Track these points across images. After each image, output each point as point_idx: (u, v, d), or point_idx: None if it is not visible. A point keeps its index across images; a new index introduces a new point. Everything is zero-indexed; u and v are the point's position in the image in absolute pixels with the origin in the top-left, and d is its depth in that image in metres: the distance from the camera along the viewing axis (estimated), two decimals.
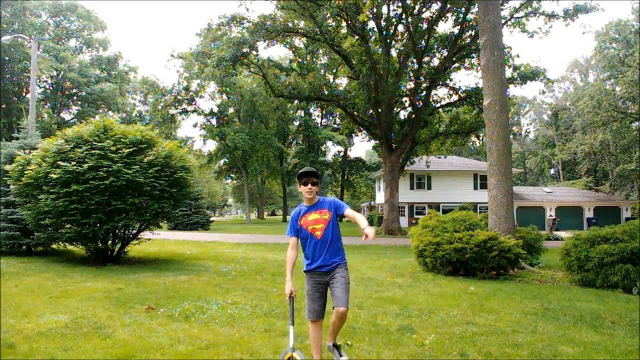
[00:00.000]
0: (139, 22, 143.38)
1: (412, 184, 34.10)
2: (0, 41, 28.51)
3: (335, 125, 47.68)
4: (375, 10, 20.87)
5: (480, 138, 25.73)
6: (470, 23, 21.72)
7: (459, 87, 24.76)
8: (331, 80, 31.18)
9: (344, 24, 22.42)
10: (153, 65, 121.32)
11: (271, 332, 4.65)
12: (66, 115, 43.27)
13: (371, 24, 22.76)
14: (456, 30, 22.61)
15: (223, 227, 32.96)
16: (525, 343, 4.43)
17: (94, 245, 9.83)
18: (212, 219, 34.17)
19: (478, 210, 30.53)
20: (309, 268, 3.57)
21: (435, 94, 25.84)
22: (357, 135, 45.32)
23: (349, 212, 3.51)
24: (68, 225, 9.49)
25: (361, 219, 3.39)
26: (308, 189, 3.51)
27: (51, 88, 41.54)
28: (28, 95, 37.13)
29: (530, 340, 4.52)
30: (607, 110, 36.85)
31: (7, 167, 9.86)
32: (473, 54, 22.99)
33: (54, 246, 11.86)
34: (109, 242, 10.10)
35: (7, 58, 35.79)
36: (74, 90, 41.42)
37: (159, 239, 16.10)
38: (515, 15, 22.11)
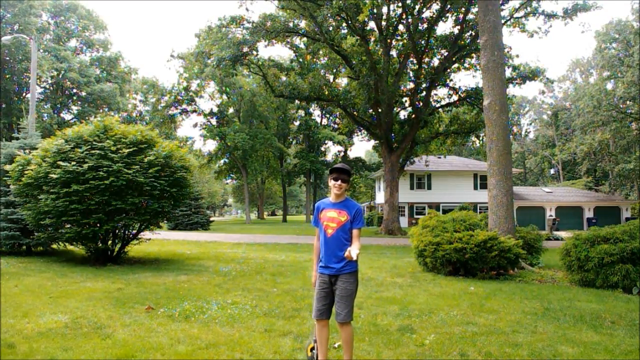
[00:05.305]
0: (139, 22, 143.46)
1: (412, 184, 34.09)
2: (0, 41, 28.48)
3: (335, 125, 47.66)
4: (375, 10, 20.87)
5: (480, 138, 25.72)
6: (470, 23, 21.73)
7: (459, 87, 24.78)
8: (331, 80, 31.18)
9: (344, 24, 22.43)
10: (153, 66, 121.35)
11: (271, 332, 4.65)
12: (66, 115, 43.22)
13: (371, 24, 22.77)
14: (456, 30, 22.62)
15: (223, 227, 32.94)
16: (525, 343, 4.43)
17: (94, 245, 9.83)
18: (212, 219, 34.13)
19: (478, 210, 30.52)
20: (318, 266, 3.57)
21: (435, 94, 25.88)
22: (357, 135, 45.32)
23: (355, 232, 3.47)
24: (68, 225, 9.49)
25: (355, 243, 3.42)
26: (338, 184, 3.48)
27: (51, 88, 41.52)
28: (28, 95, 37.11)
29: (530, 340, 4.52)
30: (607, 109, 36.84)
31: (7, 167, 9.85)
32: (473, 54, 22.99)
33: (54, 246, 11.85)
34: (109, 242, 10.10)
35: (7, 58, 35.76)
36: (74, 90, 41.41)
37: (159, 239, 16.09)
38: (515, 15, 22.13)
